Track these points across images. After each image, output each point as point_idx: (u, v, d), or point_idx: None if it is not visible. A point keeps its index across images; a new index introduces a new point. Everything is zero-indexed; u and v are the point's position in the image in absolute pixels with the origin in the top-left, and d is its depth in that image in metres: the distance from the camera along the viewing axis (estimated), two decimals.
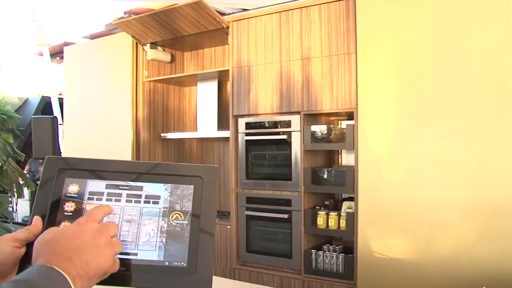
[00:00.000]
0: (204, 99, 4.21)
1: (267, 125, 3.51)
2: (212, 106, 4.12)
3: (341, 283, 3.13)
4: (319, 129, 3.29)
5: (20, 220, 5.97)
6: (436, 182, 2.75)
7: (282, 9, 3.40)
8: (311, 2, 3.25)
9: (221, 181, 4.18)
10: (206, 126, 4.17)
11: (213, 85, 4.13)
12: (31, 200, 5.96)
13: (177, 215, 0.74)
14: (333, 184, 3.26)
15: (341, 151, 3.67)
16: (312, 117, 3.38)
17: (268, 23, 3.47)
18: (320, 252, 3.26)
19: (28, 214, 6.07)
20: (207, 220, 0.74)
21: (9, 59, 7.65)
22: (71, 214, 0.73)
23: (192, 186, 0.76)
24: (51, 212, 0.73)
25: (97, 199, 0.74)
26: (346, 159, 3.64)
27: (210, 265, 0.71)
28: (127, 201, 0.74)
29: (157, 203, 0.74)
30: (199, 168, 0.77)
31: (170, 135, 4.39)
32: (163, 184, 0.76)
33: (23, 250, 0.68)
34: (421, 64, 2.82)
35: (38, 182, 0.77)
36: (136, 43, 4.27)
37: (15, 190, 2.52)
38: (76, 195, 0.74)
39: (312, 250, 3.29)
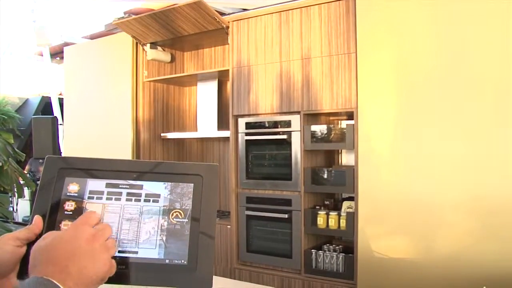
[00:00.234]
0: (204, 99, 4.22)
1: (267, 125, 3.51)
2: (212, 106, 4.12)
3: (341, 283, 3.13)
4: (319, 129, 3.29)
5: (20, 220, 5.97)
6: (436, 182, 2.75)
7: (282, 9, 3.40)
8: (311, 2, 3.25)
9: (221, 181, 4.18)
10: (206, 126, 4.17)
11: (213, 85, 4.13)
12: (32, 200, 5.96)
13: (177, 213, 0.74)
14: (333, 184, 3.26)
15: (341, 151, 3.67)
16: (312, 117, 3.39)
17: (268, 23, 3.48)
18: (320, 252, 3.26)
19: (28, 214, 6.08)
20: (207, 218, 0.74)
21: (10, 59, 7.66)
22: (71, 213, 0.73)
23: (192, 184, 0.76)
24: (52, 211, 0.73)
25: (97, 198, 0.74)
26: (346, 159, 3.65)
27: (211, 262, 0.71)
28: (127, 200, 0.74)
29: (157, 201, 0.75)
30: (199, 167, 0.78)
31: (170, 135, 4.39)
32: (163, 183, 0.76)
33: (24, 249, 0.68)
34: (421, 64, 2.82)
35: (38, 182, 0.77)
36: (136, 43, 4.28)
37: (15, 190, 2.52)
38: (76, 194, 0.74)
39: (312, 250, 3.29)
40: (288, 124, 3.38)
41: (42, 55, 6.68)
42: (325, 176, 3.30)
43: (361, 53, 3.02)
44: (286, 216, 3.40)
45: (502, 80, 2.57)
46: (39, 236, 0.70)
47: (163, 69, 4.46)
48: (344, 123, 3.32)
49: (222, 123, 4.04)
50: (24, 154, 2.73)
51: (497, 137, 2.58)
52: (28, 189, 3.86)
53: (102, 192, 0.75)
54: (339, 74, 3.13)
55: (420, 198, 2.79)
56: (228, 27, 3.68)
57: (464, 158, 2.67)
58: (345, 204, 3.27)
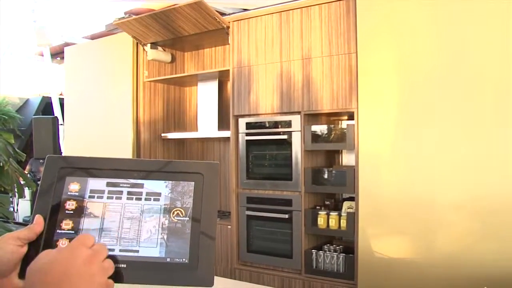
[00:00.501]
0: (204, 99, 4.22)
1: (267, 125, 3.51)
2: (213, 106, 4.12)
3: (341, 283, 3.13)
4: (320, 129, 3.30)
5: (21, 220, 5.97)
6: (437, 182, 2.75)
7: (282, 9, 3.40)
8: (311, 2, 3.25)
9: (221, 181, 4.18)
10: (207, 126, 4.17)
11: (214, 85, 4.14)
12: (32, 200, 5.96)
13: (178, 211, 0.74)
14: (334, 184, 3.26)
15: (341, 151, 3.67)
16: (312, 117, 3.39)
17: (268, 23, 3.48)
18: (321, 252, 3.26)
19: (29, 214, 6.08)
20: (208, 217, 0.74)
21: (10, 60, 7.66)
22: (72, 212, 0.73)
23: (193, 183, 0.76)
24: (53, 211, 0.73)
25: (98, 197, 0.74)
26: (347, 159, 3.65)
27: (212, 261, 0.71)
28: (128, 198, 0.74)
29: (158, 200, 0.75)
30: (200, 165, 0.78)
31: (170, 135, 4.39)
32: (163, 181, 0.76)
33: (25, 249, 0.68)
34: (421, 64, 2.82)
35: (39, 182, 0.77)
36: (137, 43, 4.28)
37: (16, 190, 2.52)
38: (77, 194, 0.74)
39: (313, 250, 3.29)
40: (288, 124, 3.39)
41: (43, 55, 6.69)
42: (326, 176, 3.30)
43: (362, 53, 3.02)
44: (286, 216, 3.40)
45: (503, 80, 2.57)
46: (40, 236, 0.70)
47: (164, 69, 4.46)
48: (344, 123, 3.32)
49: (223, 123, 4.04)
50: (25, 154, 2.74)
51: (497, 137, 2.58)
52: (28, 189, 3.86)
53: (103, 191, 0.75)
54: (339, 74, 3.13)
55: (421, 198, 2.79)
56: (228, 27, 3.68)
57: (465, 158, 2.67)
58: (346, 204, 3.27)
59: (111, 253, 0.69)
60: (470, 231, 2.66)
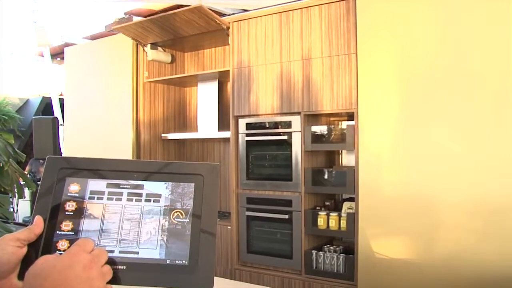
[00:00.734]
0: (204, 100, 4.22)
1: (267, 126, 3.51)
2: (213, 106, 4.12)
3: (341, 284, 3.13)
4: (320, 129, 3.29)
5: (21, 221, 5.96)
6: (437, 182, 2.75)
7: (282, 10, 3.40)
8: (311, 2, 3.25)
9: (221, 182, 4.18)
10: (207, 126, 4.17)
11: (214, 85, 4.13)
12: (32, 200, 5.96)
13: (178, 213, 0.74)
14: (334, 184, 3.26)
15: (341, 151, 3.67)
16: (312, 118, 3.39)
17: (268, 24, 3.48)
18: (321, 253, 3.26)
19: (29, 214, 6.08)
20: (208, 218, 0.74)
21: (10, 60, 7.66)
22: (72, 213, 0.73)
23: (193, 184, 0.76)
24: (52, 211, 0.73)
25: (98, 199, 0.74)
26: (347, 159, 3.65)
27: (212, 263, 0.71)
28: (128, 200, 0.74)
29: (158, 201, 0.75)
30: (200, 166, 0.78)
31: (170, 136, 4.39)
32: (163, 183, 0.76)
33: (24, 250, 0.68)
34: (421, 64, 2.82)
35: (39, 183, 0.77)
36: (137, 44, 4.28)
37: (16, 190, 2.52)
38: (77, 195, 0.74)
39: (313, 251, 3.29)
40: (288, 124, 3.38)
41: (43, 56, 6.69)
42: (326, 176, 3.30)
43: (362, 54, 3.02)
44: (286, 216, 3.40)
45: (503, 80, 2.57)
46: (39, 237, 0.70)
47: (164, 70, 4.46)
48: (344, 124, 3.32)
49: (223, 124, 4.04)
50: (25, 155, 2.73)
51: (498, 137, 2.58)
52: (28, 189, 3.86)
53: (103, 192, 0.75)
54: (339, 74, 3.13)
55: (421, 198, 2.79)
56: (228, 28, 3.68)
57: (465, 158, 2.67)
58: (346, 204, 3.27)
59: (110, 254, 0.69)
60: (470, 231, 2.66)
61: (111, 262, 0.68)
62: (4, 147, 2.35)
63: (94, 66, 4.62)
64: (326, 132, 3.28)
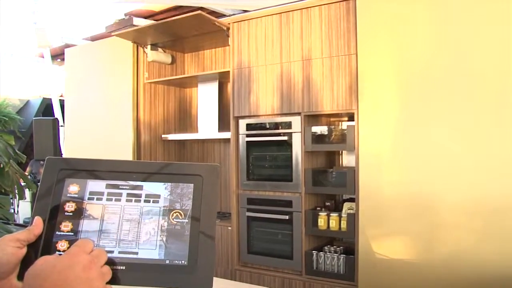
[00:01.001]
0: (204, 101, 4.22)
1: (267, 126, 3.51)
2: (213, 107, 4.12)
3: (342, 284, 3.13)
4: (320, 130, 3.29)
5: (21, 222, 5.97)
6: (437, 182, 2.75)
7: (282, 10, 3.40)
8: (311, 3, 3.26)
9: (222, 182, 4.18)
10: (207, 127, 4.17)
11: (214, 86, 4.14)
12: (33, 201, 5.95)
13: (177, 213, 0.74)
14: (334, 185, 3.26)
15: (341, 152, 3.67)
16: (312, 118, 3.39)
17: (268, 25, 3.48)
18: (321, 253, 3.26)
19: (29, 215, 6.08)
20: (207, 219, 0.74)
21: (10, 61, 7.66)
22: (71, 214, 0.73)
23: (192, 184, 0.76)
24: (52, 212, 0.73)
25: (97, 199, 0.74)
26: (347, 160, 3.64)
27: (211, 263, 0.71)
28: (127, 200, 0.74)
29: (157, 202, 0.75)
30: (199, 167, 0.78)
31: (171, 137, 4.39)
32: (163, 183, 0.76)
33: (24, 250, 0.68)
34: (421, 65, 2.82)
35: (39, 184, 0.77)
36: (137, 45, 4.29)
37: (16, 191, 2.52)
38: (76, 195, 0.74)
39: (313, 251, 3.29)
40: (288, 125, 3.39)
41: (43, 57, 6.69)
42: (326, 177, 3.30)
43: (362, 54, 3.02)
44: (287, 217, 3.39)
45: (503, 80, 2.57)
46: (39, 237, 0.70)
47: (164, 71, 4.46)
48: (344, 124, 3.32)
49: (223, 125, 4.04)
50: (25, 156, 2.73)
51: (498, 138, 2.58)
52: (29, 190, 3.86)
53: (102, 193, 0.75)
54: (339, 75, 3.13)
55: (421, 199, 2.79)
56: (228, 29, 3.68)
57: (465, 158, 2.67)
58: (346, 205, 3.27)
59: (110, 255, 0.69)
60: (470, 231, 2.66)
61: (110, 262, 0.68)
62: (5, 148, 2.35)
63: (94, 67, 4.63)
64: (326, 133, 3.28)
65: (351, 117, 3.19)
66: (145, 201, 0.75)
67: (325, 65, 3.20)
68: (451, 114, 2.71)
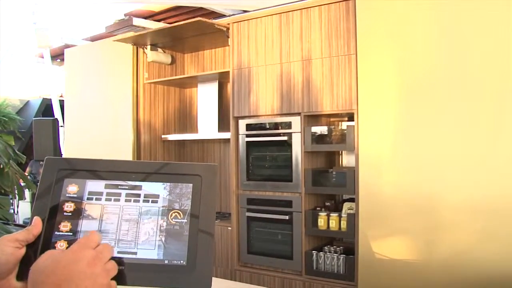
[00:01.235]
0: (204, 101, 4.22)
1: (267, 127, 3.51)
2: (213, 107, 4.12)
3: (342, 284, 3.13)
4: (320, 130, 3.29)
5: (21, 222, 5.97)
6: (437, 183, 2.75)
7: (282, 11, 3.40)
8: (311, 3, 3.26)
9: (221, 183, 4.19)
10: (207, 127, 4.17)
11: (214, 86, 4.14)
12: (32, 202, 5.95)
13: (176, 213, 0.74)
14: (334, 185, 3.26)
15: (341, 152, 3.67)
16: (312, 118, 3.39)
17: (268, 25, 3.48)
18: (321, 253, 3.26)
19: (29, 216, 6.07)
20: (206, 219, 0.74)
21: (10, 61, 7.67)
22: (70, 214, 0.73)
23: (191, 184, 0.76)
24: (51, 212, 0.73)
25: (96, 199, 0.74)
26: (347, 160, 3.64)
27: (210, 263, 0.71)
28: (126, 200, 0.74)
29: (156, 202, 0.75)
30: (198, 167, 0.78)
31: (170, 137, 4.39)
32: (161, 183, 0.76)
33: (23, 250, 0.68)
34: (422, 65, 2.82)
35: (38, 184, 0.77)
36: (137, 46, 4.29)
37: (16, 192, 2.52)
38: (75, 195, 0.74)
39: (313, 251, 3.29)
40: (288, 125, 3.38)
41: (43, 57, 6.69)
42: (326, 177, 3.30)
43: (361, 55, 3.02)
44: (286, 217, 3.39)
45: (503, 80, 2.57)
46: (38, 237, 0.70)
47: (164, 71, 4.46)
48: (344, 125, 3.32)
49: (223, 125, 4.04)
50: (25, 156, 2.73)
51: (498, 138, 2.58)
52: (29, 191, 3.86)
53: (101, 193, 0.75)
54: (339, 75, 3.13)
55: (421, 199, 2.79)
56: (228, 29, 3.69)
57: (465, 159, 2.66)
58: (346, 205, 3.27)
59: None
60: (470, 232, 2.66)
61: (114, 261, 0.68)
62: (5, 149, 2.35)
63: (94, 68, 4.63)
64: (326, 133, 3.28)
65: (351, 117, 3.19)
66: (144, 201, 0.74)
67: (325, 65, 3.20)
68: (451, 114, 2.71)
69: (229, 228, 3.71)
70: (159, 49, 4.35)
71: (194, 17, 3.68)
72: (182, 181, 0.76)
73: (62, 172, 0.76)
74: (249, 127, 3.60)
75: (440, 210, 2.73)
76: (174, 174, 0.77)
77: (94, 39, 5.32)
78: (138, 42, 4.20)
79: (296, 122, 3.34)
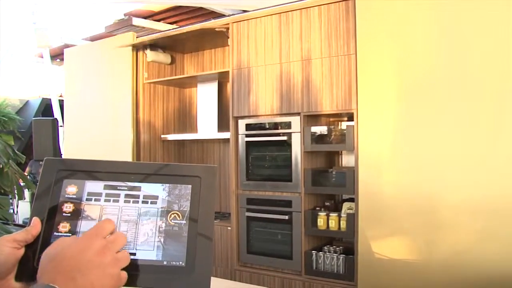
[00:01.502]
0: (204, 101, 4.22)
1: (267, 126, 3.51)
2: (212, 107, 4.12)
3: (341, 284, 3.13)
4: (319, 130, 3.29)
5: (21, 222, 5.97)
6: (437, 183, 2.75)
7: (282, 11, 3.40)
8: (311, 3, 3.25)
9: (221, 183, 4.19)
10: (207, 127, 4.17)
11: (213, 86, 4.14)
12: (32, 202, 5.95)
13: (175, 215, 0.74)
14: (334, 185, 3.26)
15: (341, 152, 3.67)
16: (312, 118, 3.38)
17: (268, 25, 3.48)
18: (321, 253, 3.26)
19: (28, 216, 6.07)
20: (205, 220, 0.74)
21: (10, 61, 7.67)
22: (69, 215, 0.73)
23: (190, 186, 0.76)
24: (50, 213, 0.73)
25: (95, 200, 0.74)
26: (346, 160, 3.64)
27: (209, 264, 0.71)
28: (125, 201, 0.74)
29: (155, 203, 0.75)
30: (197, 168, 0.78)
31: (170, 137, 4.39)
32: (161, 184, 0.76)
33: (22, 251, 0.68)
34: (421, 65, 2.82)
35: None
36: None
37: (16, 192, 2.52)
38: (74, 196, 0.74)
39: (313, 251, 3.29)
40: (288, 125, 3.38)
41: (42, 57, 6.70)
42: (325, 177, 3.30)
43: (361, 55, 3.02)
44: (286, 217, 3.39)
45: (503, 80, 2.57)
46: (37, 238, 0.70)
47: (163, 71, 4.46)
48: (344, 124, 3.32)
49: (222, 125, 4.04)
50: (25, 156, 2.73)
51: (498, 138, 2.58)
52: (28, 191, 3.86)
53: (100, 194, 0.75)
54: (339, 75, 3.13)
55: (421, 199, 2.79)
56: (228, 29, 3.69)
57: (465, 159, 2.66)
58: (345, 205, 3.26)
59: None
60: (470, 232, 2.66)
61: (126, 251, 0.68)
62: (4, 149, 2.35)
63: (93, 67, 4.62)
64: (326, 133, 3.28)
65: (350, 117, 3.19)
66: (143, 202, 0.74)
67: (324, 65, 3.20)
68: (450, 114, 2.71)
69: (229, 228, 3.71)
70: (159, 49, 4.35)
71: (194, 17, 3.69)
72: (181, 182, 0.76)
73: (61, 172, 0.76)
74: (248, 127, 3.60)
75: (440, 210, 2.73)
76: (173, 175, 0.77)
77: (93, 39, 5.32)
78: (138, 46, 4.21)
79: (296, 122, 3.34)
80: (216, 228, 3.75)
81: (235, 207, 3.67)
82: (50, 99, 7.20)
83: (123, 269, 0.66)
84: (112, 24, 4.88)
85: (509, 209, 2.51)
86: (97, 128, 4.51)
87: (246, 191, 3.62)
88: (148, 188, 0.75)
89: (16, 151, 2.57)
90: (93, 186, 0.75)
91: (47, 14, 5.93)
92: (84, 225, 0.72)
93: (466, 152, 2.66)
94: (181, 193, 0.75)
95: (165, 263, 0.71)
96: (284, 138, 3.41)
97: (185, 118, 4.68)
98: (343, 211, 3.24)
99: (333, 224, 3.22)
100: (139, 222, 0.73)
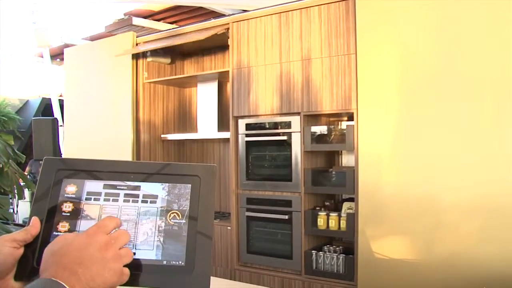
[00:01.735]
0: (204, 100, 4.22)
1: (267, 126, 3.51)
2: (212, 107, 4.12)
3: (341, 284, 3.13)
4: (319, 130, 3.29)
5: (21, 222, 5.96)
6: (437, 183, 2.75)
7: (282, 10, 3.40)
8: (311, 3, 3.25)
9: (221, 182, 4.18)
10: (206, 127, 4.17)
11: (213, 86, 4.13)
12: (31, 201, 5.95)
13: (175, 214, 0.74)
14: (334, 185, 3.26)
15: (341, 152, 3.67)
16: (312, 118, 3.38)
17: (268, 24, 3.47)
18: (321, 253, 3.26)
19: (28, 215, 6.07)
20: (204, 219, 0.74)
21: (10, 61, 7.67)
22: (69, 214, 0.73)
23: (190, 185, 0.76)
24: (49, 213, 0.73)
25: (94, 200, 0.74)
26: (346, 159, 3.64)
27: (208, 263, 0.71)
28: (124, 201, 0.74)
29: (154, 202, 0.74)
30: (197, 167, 0.78)
31: (170, 136, 4.39)
32: (160, 184, 0.76)
33: (21, 250, 0.68)
34: (421, 65, 2.82)
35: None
36: (137, 44, 4.28)
37: (15, 191, 2.52)
38: (74, 196, 0.74)
39: (313, 251, 3.29)
40: (288, 125, 3.38)
41: (42, 57, 6.69)
42: (325, 177, 3.30)
43: (361, 54, 3.02)
44: (286, 217, 3.39)
45: (503, 80, 2.57)
46: (36, 237, 0.70)
47: (163, 71, 4.46)
48: (344, 124, 3.32)
49: (222, 124, 4.04)
50: (25, 156, 2.73)
51: (497, 138, 2.58)
52: (28, 190, 3.86)
53: (99, 193, 0.75)
54: (339, 75, 3.13)
55: (420, 199, 2.79)
56: (228, 29, 3.68)
57: (465, 158, 2.66)
58: (345, 205, 3.26)
59: None
60: (470, 232, 2.66)
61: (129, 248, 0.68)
62: (4, 148, 2.35)
63: (93, 67, 4.62)
64: (326, 133, 3.28)
65: (350, 117, 3.19)
66: (142, 201, 0.74)
67: (324, 65, 3.20)
68: (450, 114, 2.71)
69: (229, 227, 3.71)
70: (159, 50, 4.35)
71: (194, 17, 3.69)
72: (180, 181, 0.76)
73: (60, 172, 0.76)
74: (248, 126, 3.60)
75: (440, 210, 2.73)
76: (172, 174, 0.77)
77: (93, 38, 5.32)
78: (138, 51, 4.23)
79: (296, 122, 3.34)
80: (216, 228, 3.75)
81: (235, 207, 3.67)
82: (50, 98, 7.19)
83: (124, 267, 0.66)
84: (112, 24, 4.87)
85: (509, 209, 2.51)
86: (97, 127, 4.51)
87: (246, 191, 3.62)
88: (147, 188, 0.75)
89: (16, 151, 2.57)
90: (93, 185, 0.75)
91: (47, 14, 5.93)
92: (83, 225, 0.72)
93: (466, 152, 2.66)
94: (181, 192, 0.75)
95: (164, 262, 0.71)
96: (284, 137, 3.41)
97: (185, 118, 4.68)
98: (343, 211, 3.24)
99: (333, 224, 3.22)
100: (139, 221, 0.73)
